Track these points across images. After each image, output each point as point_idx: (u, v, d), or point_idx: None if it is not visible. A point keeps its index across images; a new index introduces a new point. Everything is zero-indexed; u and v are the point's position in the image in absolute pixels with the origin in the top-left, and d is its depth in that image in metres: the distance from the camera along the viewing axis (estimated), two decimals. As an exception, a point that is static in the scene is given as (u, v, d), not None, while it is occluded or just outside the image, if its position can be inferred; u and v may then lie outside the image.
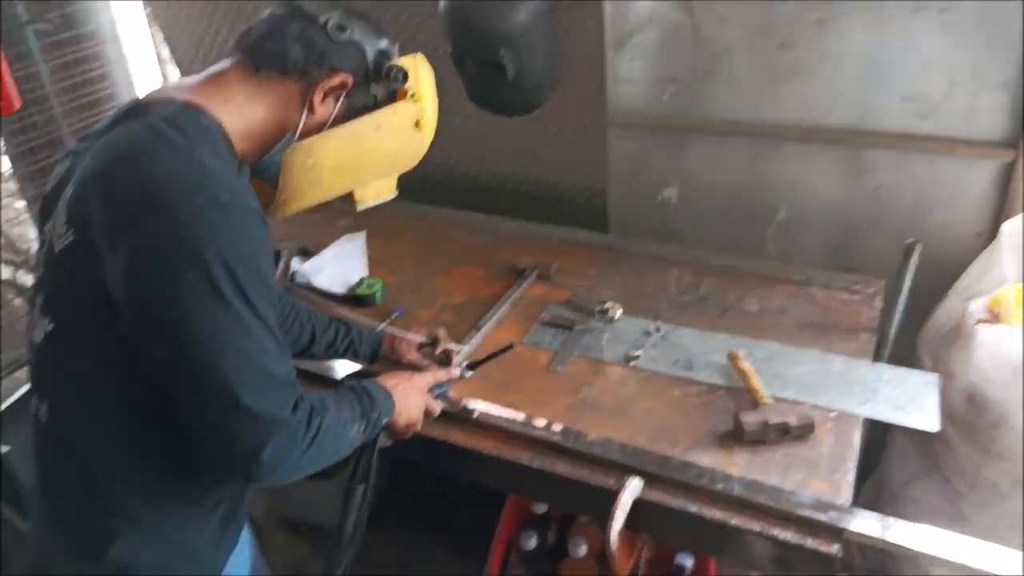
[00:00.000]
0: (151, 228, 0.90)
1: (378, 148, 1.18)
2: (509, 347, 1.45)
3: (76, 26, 2.33)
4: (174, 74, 2.64)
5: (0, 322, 2.23)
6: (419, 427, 1.29)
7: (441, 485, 2.45)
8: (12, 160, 2.37)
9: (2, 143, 2.34)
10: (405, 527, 2.42)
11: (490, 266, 1.96)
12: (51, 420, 1.03)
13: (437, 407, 1.34)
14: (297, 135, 1.10)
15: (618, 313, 1.70)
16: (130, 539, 1.03)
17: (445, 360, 1.50)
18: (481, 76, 1.91)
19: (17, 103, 2.01)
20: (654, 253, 1.98)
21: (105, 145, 0.99)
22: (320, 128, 1.12)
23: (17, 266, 2.38)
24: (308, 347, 1.43)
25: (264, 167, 1.12)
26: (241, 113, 1.06)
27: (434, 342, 1.52)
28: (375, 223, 2.18)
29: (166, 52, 2.60)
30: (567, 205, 2.22)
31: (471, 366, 1.45)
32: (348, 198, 1.23)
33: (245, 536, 1.23)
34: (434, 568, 2.29)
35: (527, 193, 2.27)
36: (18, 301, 2.32)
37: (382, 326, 1.60)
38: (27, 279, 2.22)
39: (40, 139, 2.34)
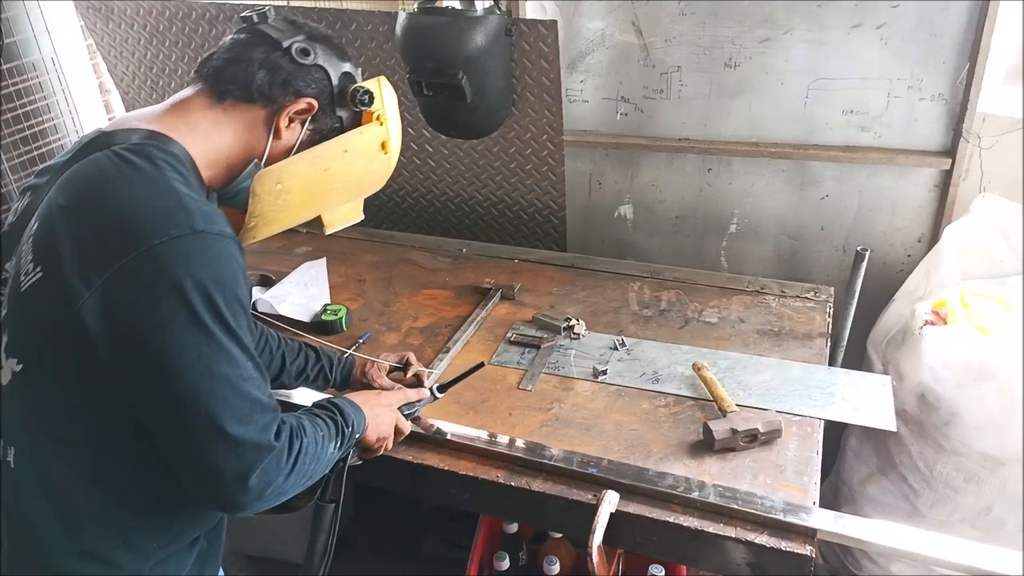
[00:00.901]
0: (126, 260, 0.88)
1: (345, 171, 1.18)
2: (480, 365, 1.45)
3: (16, 57, 2.27)
4: (117, 103, 2.59)
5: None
6: (390, 444, 1.30)
7: (408, 510, 2.43)
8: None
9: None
10: (373, 553, 2.39)
11: (453, 288, 1.96)
12: (19, 465, 1.00)
13: (407, 426, 1.34)
14: (264, 161, 1.09)
15: (583, 329, 1.72)
16: None
17: (416, 383, 1.50)
18: (438, 100, 1.93)
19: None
20: (613, 269, 2.02)
21: (70, 178, 0.97)
22: (287, 153, 1.11)
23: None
24: (279, 374, 1.41)
25: (232, 194, 1.11)
26: (207, 140, 1.05)
27: (405, 366, 1.53)
28: (334, 249, 2.17)
29: (108, 82, 2.55)
30: (526, 225, 2.25)
31: (442, 388, 1.44)
32: (316, 223, 1.23)
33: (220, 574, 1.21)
34: (406, 595, 2.26)
35: (486, 215, 2.29)
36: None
37: (349, 351, 1.59)
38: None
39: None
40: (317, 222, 1.23)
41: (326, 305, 1.83)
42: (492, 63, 1.85)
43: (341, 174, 1.18)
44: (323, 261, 2.04)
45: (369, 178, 1.25)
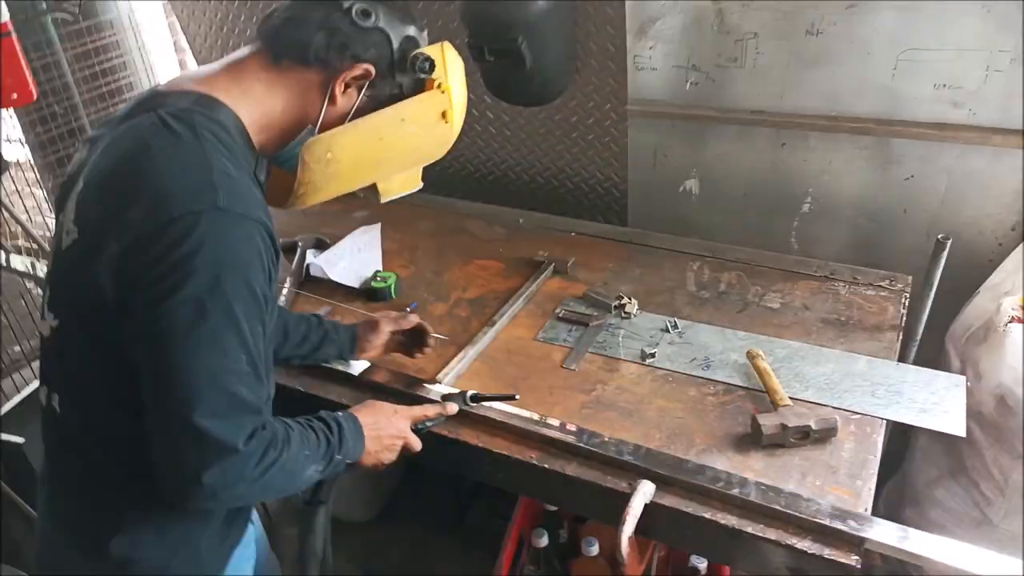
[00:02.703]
0: (143, 228, 0.88)
1: (401, 141, 1.14)
2: (511, 397, 1.37)
3: (94, 15, 2.33)
4: (191, 63, 2.64)
5: (10, 315, 2.25)
6: (388, 464, 1.22)
7: (454, 480, 2.44)
8: (31, 150, 2.37)
9: (21, 132, 2.35)
10: (417, 522, 2.42)
11: (506, 260, 1.92)
12: (62, 412, 1.03)
13: (417, 445, 1.25)
14: (317, 127, 1.06)
15: (635, 309, 1.66)
16: (132, 535, 1.02)
17: (417, 339, 1.49)
18: (499, 66, 1.87)
19: (34, 94, 2.01)
20: (674, 246, 1.94)
21: (115, 141, 0.97)
22: (342, 119, 1.08)
23: (35, 256, 2.40)
24: (283, 341, 1.39)
25: (285, 158, 1.09)
26: (260, 104, 1.03)
27: (417, 333, 1.51)
28: (391, 215, 2.15)
29: (183, 41, 2.59)
30: (586, 197, 2.18)
31: (475, 398, 1.38)
32: (372, 189, 1.19)
33: (251, 533, 1.22)
34: (446, 564, 2.29)
35: (545, 185, 2.24)
36: (37, 291, 2.34)
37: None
38: (44, 270, 2.25)
39: (59, 128, 2.35)
40: (372, 189, 1.19)
41: (377, 272, 1.83)
42: (553, 28, 1.78)
43: (397, 143, 1.14)
44: (378, 227, 2.04)
45: (427, 148, 1.20)
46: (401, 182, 1.22)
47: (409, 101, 1.12)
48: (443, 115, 1.16)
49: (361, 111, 1.09)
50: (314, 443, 1.05)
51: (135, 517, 1.02)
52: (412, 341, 1.52)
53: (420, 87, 1.13)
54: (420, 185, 1.26)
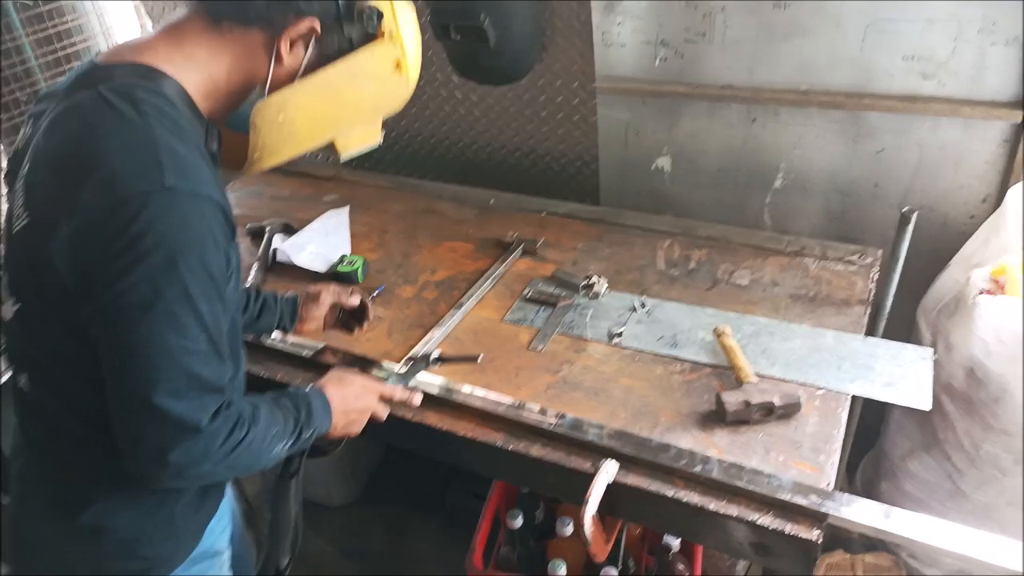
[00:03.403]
0: (93, 210, 0.86)
1: (356, 95, 1.12)
2: (475, 358, 1.41)
3: (55, -2, 2.28)
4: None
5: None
6: (354, 435, 1.25)
7: (434, 461, 2.44)
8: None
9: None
10: (397, 504, 2.42)
11: (476, 241, 1.90)
12: (31, 389, 1.03)
13: (383, 415, 1.28)
14: (267, 89, 1.03)
15: (603, 288, 1.65)
16: (105, 503, 1.03)
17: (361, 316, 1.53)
18: (463, 44, 1.85)
19: (-7, 79, 1.96)
20: (645, 224, 1.92)
21: (57, 121, 0.95)
22: (291, 77, 1.05)
23: None
24: None
25: (238, 121, 1.06)
26: (204, 70, 1.00)
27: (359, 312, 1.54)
28: (360, 197, 2.14)
29: (150, 25, 2.54)
30: (557, 176, 2.16)
31: (440, 359, 1.41)
32: (331, 146, 1.16)
33: (226, 506, 1.22)
34: (426, 545, 2.29)
35: (516, 165, 2.21)
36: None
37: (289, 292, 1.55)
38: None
39: (24, 116, 2.30)
40: (331, 147, 1.16)
41: (343, 255, 1.80)
42: (518, 4, 1.75)
43: (351, 98, 1.11)
44: (346, 210, 2.01)
45: (384, 100, 1.18)
46: (359, 137, 1.19)
47: (359, 53, 1.09)
48: (397, 65, 1.13)
49: (311, 67, 1.06)
50: (281, 420, 1.06)
51: (107, 488, 1.03)
52: (355, 317, 1.55)
53: (370, 39, 1.10)
54: (380, 139, 1.22)
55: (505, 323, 1.59)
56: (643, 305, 1.60)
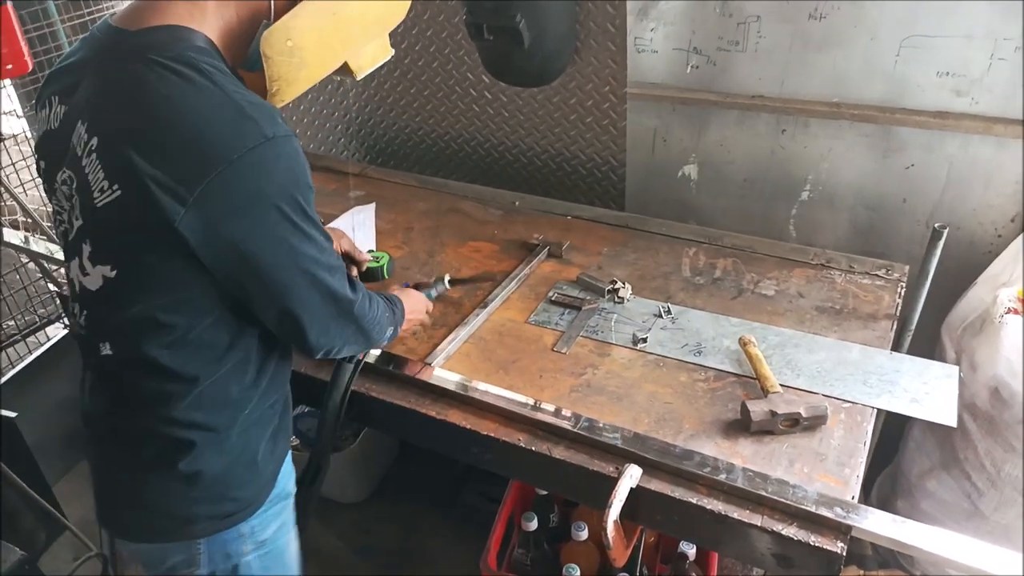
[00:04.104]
0: (211, 177, 0.91)
1: (359, 12, 1.13)
2: (491, 278, 1.67)
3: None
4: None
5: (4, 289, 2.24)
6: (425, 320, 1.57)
7: (448, 461, 2.44)
8: (28, 122, 2.35)
9: (16, 105, 2.33)
10: (409, 504, 2.42)
11: (501, 242, 1.91)
12: (115, 353, 1.07)
13: (427, 322, 1.59)
14: (272, 19, 1.04)
15: (628, 293, 1.65)
16: (199, 449, 1.08)
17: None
18: (497, 44, 1.85)
19: (30, 64, 1.99)
20: (670, 232, 1.92)
21: (115, 93, 0.96)
22: (293, 3, 1.06)
23: (31, 230, 2.39)
24: None
25: (252, 61, 1.07)
26: (220, 18, 1.02)
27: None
28: (385, 194, 2.15)
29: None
30: (583, 180, 2.16)
31: (452, 282, 1.65)
32: (345, 70, 1.17)
33: (290, 456, 1.28)
34: (438, 545, 2.29)
35: (542, 167, 2.22)
36: (32, 266, 2.33)
37: None
38: (40, 244, 2.23)
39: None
40: (345, 71, 1.17)
41: (370, 251, 1.81)
42: (553, 7, 1.76)
43: (354, 16, 1.12)
44: (372, 207, 2.02)
45: (387, 12, 1.19)
46: (372, 55, 1.20)
47: None
48: None
49: None
50: (389, 309, 1.31)
51: (198, 436, 1.08)
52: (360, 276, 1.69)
53: None
54: (392, 52, 1.24)
55: (529, 324, 1.59)
56: (668, 312, 1.60)
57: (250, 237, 0.95)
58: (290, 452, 1.27)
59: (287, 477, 1.25)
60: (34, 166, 2.53)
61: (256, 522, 1.17)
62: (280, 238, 0.97)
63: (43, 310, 2.39)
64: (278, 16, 1.04)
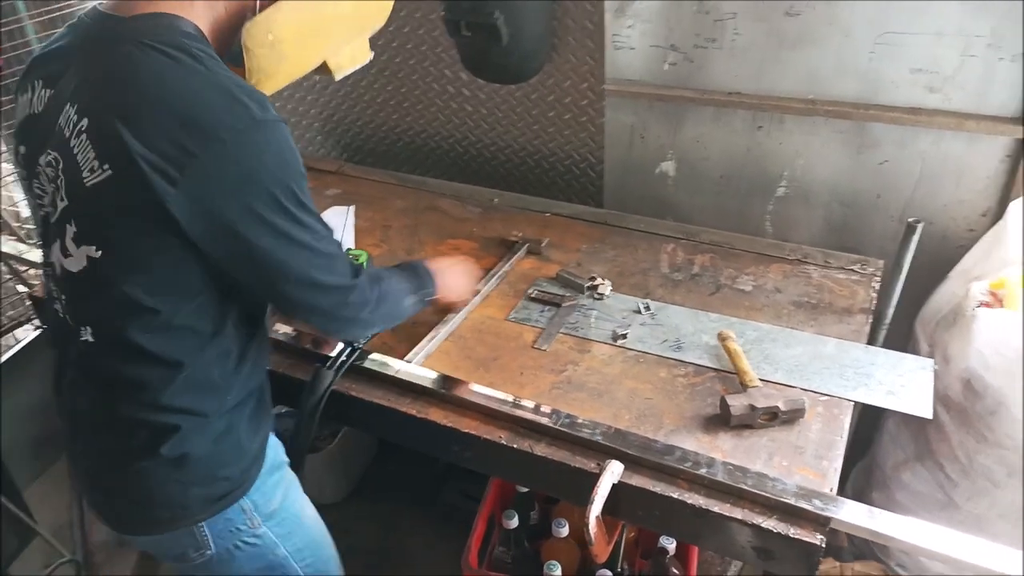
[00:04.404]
0: (202, 157, 0.92)
1: (338, 8, 1.15)
2: None
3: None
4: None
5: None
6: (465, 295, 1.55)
7: (427, 460, 2.43)
8: (-6, 119, 2.30)
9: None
10: (389, 501, 2.41)
11: (479, 239, 1.90)
12: (97, 340, 1.06)
13: (470, 298, 1.60)
14: (257, 11, 1.06)
15: (608, 289, 1.65)
16: (183, 432, 1.09)
17: None
18: (475, 41, 1.85)
19: (-3, 61, 1.95)
20: (648, 228, 1.92)
21: (107, 74, 0.97)
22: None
23: (8, 230, 2.34)
24: None
25: (234, 53, 1.08)
26: (210, 10, 1.04)
27: None
28: (362, 192, 2.13)
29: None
30: (561, 177, 2.16)
31: None
32: (324, 69, 1.19)
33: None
34: (416, 542, 2.28)
35: (520, 164, 2.21)
36: (2, 267, 2.28)
37: None
38: (9, 245, 2.18)
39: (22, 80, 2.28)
40: (325, 69, 1.18)
41: (348, 250, 1.80)
42: (531, 4, 1.75)
43: (335, 14, 1.14)
44: (351, 208, 2.00)
45: (368, 12, 1.21)
46: (351, 55, 1.22)
47: None
48: None
49: None
50: (405, 279, 1.31)
51: (181, 419, 1.08)
52: None
53: None
54: (371, 55, 1.26)
55: (509, 322, 1.59)
56: (647, 307, 1.60)
57: (243, 219, 0.96)
58: (272, 424, 1.28)
59: (275, 448, 1.27)
60: (7, 164, 2.49)
61: (257, 497, 1.19)
62: (272, 223, 0.97)
63: (12, 312, 2.35)
64: (263, 7, 1.06)
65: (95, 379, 1.11)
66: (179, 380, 1.07)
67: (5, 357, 2.18)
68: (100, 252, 1.00)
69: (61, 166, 1.00)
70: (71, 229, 1.01)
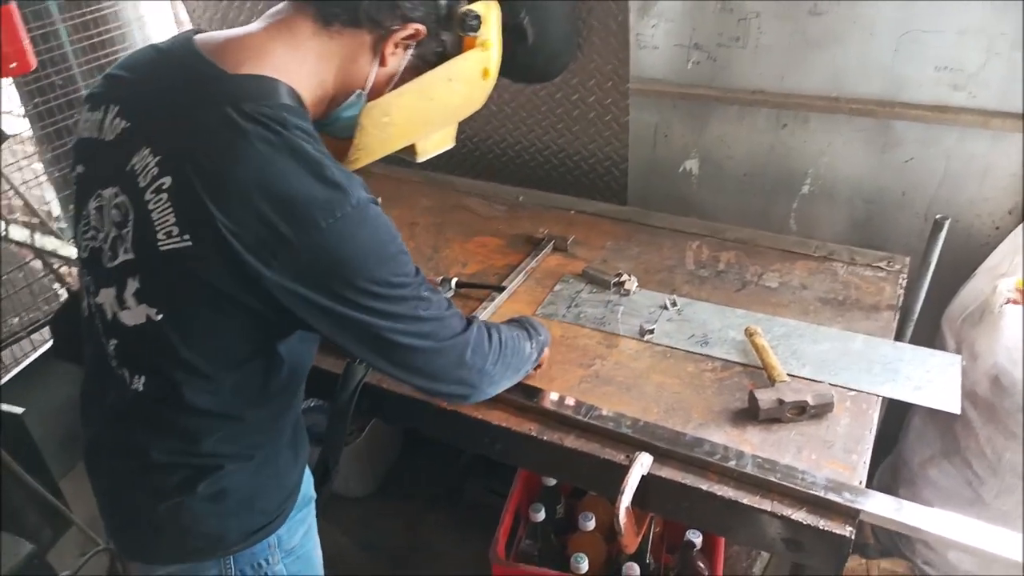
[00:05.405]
0: (300, 243, 0.89)
1: (448, 99, 1.15)
2: (499, 288, 1.65)
3: (91, -15, 2.31)
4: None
5: (8, 287, 2.24)
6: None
7: (452, 456, 2.45)
8: (30, 121, 2.36)
9: (20, 103, 2.33)
10: (414, 498, 2.43)
11: (506, 236, 1.93)
12: (148, 390, 1.03)
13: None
14: (367, 91, 1.05)
15: (634, 286, 1.67)
16: (227, 471, 1.07)
17: None
18: (501, 41, 1.86)
19: (33, 62, 1.99)
20: (673, 226, 1.94)
21: (209, 142, 0.91)
22: (388, 81, 1.07)
23: (34, 228, 2.39)
24: None
25: (329, 122, 1.07)
26: (315, 75, 1.00)
27: None
28: (391, 191, 2.16)
29: (183, 13, 2.57)
30: (586, 176, 2.18)
31: (459, 285, 1.68)
32: (408, 148, 1.20)
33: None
34: (441, 538, 2.30)
35: (545, 163, 2.23)
36: (37, 263, 2.33)
37: None
38: (45, 241, 2.23)
39: (58, 100, 2.33)
40: (408, 150, 1.20)
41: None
42: (556, 4, 1.77)
43: (444, 102, 1.15)
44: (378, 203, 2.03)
45: (468, 105, 1.22)
46: (437, 141, 1.24)
47: (455, 60, 1.11)
48: (484, 72, 1.17)
49: (407, 71, 1.08)
50: (518, 327, 1.28)
51: (222, 460, 1.07)
52: None
53: (461, 44, 1.12)
54: (454, 143, 1.28)
55: (537, 316, 1.61)
56: (674, 303, 1.62)
57: (340, 304, 0.94)
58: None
59: (307, 482, 1.24)
60: (38, 164, 2.54)
61: (283, 531, 1.16)
62: (367, 306, 0.95)
63: (47, 307, 2.39)
64: (374, 90, 1.06)
65: (137, 421, 1.07)
66: (229, 428, 1.05)
67: (40, 352, 2.22)
68: (160, 316, 0.96)
69: (132, 217, 0.95)
70: (133, 284, 0.97)
